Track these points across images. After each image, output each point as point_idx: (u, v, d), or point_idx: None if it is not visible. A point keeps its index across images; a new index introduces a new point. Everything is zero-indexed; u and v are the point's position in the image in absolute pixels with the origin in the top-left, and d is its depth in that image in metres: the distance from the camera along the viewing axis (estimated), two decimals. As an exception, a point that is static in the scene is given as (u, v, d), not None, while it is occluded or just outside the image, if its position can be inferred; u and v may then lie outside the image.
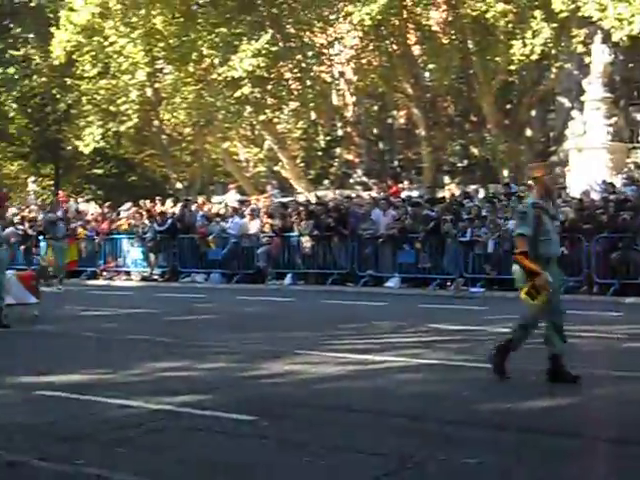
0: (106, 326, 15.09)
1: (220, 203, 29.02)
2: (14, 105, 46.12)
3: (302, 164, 42.95)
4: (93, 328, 14.55)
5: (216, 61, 34.13)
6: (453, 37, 34.97)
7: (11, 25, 44.64)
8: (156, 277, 26.34)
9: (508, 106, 38.75)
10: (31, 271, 16.26)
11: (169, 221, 26.47)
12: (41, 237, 26.86)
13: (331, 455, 6.47)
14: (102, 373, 10.07)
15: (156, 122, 38.76)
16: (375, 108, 44.67)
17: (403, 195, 26.70)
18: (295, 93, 36.28)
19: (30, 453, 6.52)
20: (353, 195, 28.25)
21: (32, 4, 42.18)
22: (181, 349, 12.09)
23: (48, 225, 24.43)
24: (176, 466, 6.24)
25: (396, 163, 44.87)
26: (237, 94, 33.48)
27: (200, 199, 30.18)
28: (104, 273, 27.25)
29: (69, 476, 6.02)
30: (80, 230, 27.84)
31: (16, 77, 44.11)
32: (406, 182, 32.26)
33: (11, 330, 14.29)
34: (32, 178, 44.75)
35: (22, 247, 28.02)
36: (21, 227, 28.80)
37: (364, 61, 36.96)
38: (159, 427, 7.40)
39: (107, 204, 31.10)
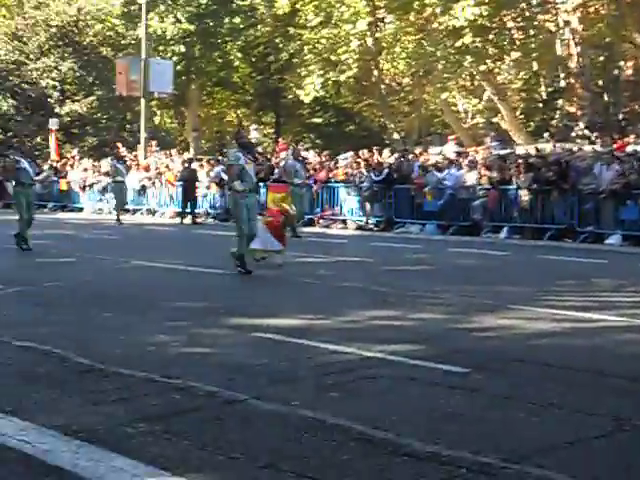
0: (321, 273, 15.34)
1: (438, 154, 28.82)
2: (238, 54, 47.50)
3: (522, 116, 42.03)
4: (309, 274, 14.84)
5: (437, 10, 33.74)
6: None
7: (237, -25, 45.65)
8: (371, 226, 26.56)
9: None
10: (279, 218, 16.16)
11: (386, 171, 26.56)
12: (261, 184, 27.56)
13: (545, 412, 6.33)
14: (317, 318, 10.25)
15: (375, 72, 38.84)
16: (601, 59, 43.04)
17: (628, 149, 25.63)
18: (517, 43, 35.42)
19: (247, 392, 6.72)
20: (575, 148, 27.35)
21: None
22: (394, 298, 12.13)
23: (289, 172, 24.73)
24: (389, 413, 6.27)
25: (621, 116, 43.15)
26: (458, 44, 33.04)
27: (417, 150, 30.08)
28: (321, 221, 27.70)
29: (284, 416, 6.17)
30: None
31: (241, 27, 45.34)
32: (632, 136, 30.93)
33: (231, 274, 14.74)
34: (254, 126, 45.98)
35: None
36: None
37: (591, 10, 35.60)
38: (372, 374, 7.45)
39: (325, 153, 31.53)
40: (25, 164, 19.18)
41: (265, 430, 5.84)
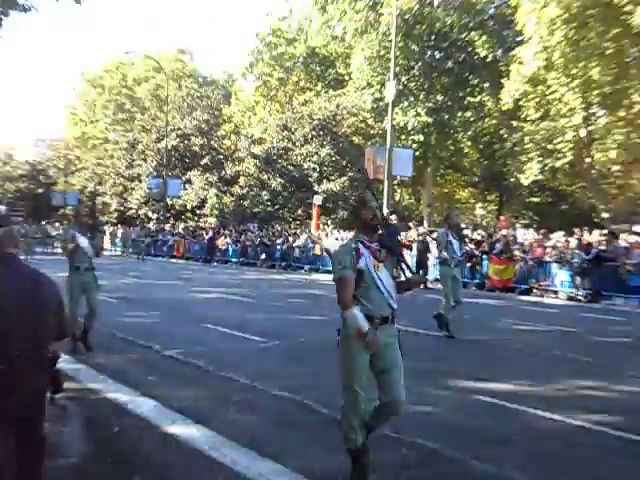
0: (534, 340, 14.91)
1: (641, 232, 27.39)
2: (468, 143, 47.62)
3: None
4: (523, 341, 14.47)
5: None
6: None
7: (470, 77, 45.91)
8: (580, 298, 25.59)
9: None
10: None
11: (595, 251, 25.47)
12: (484, 256, 27.35)
13: None
14: (528, 385, 10.01)
15: (587, 159, 37.69)
16: None
17: None
18: None
19: (465, 452, 6.66)
20: None
21: (488, 59, 43.07)
22: (599, 369, 11.64)
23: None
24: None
25: None
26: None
27: (623, 227, 28.77)
28: (534, 290, 26.99)
29: (493, 476, 6.07)
30: (516, 252, 27.86)
31: (472, 119, 45.46)
32: None
33: (452, 338, 14.61)
34: (479, 204, 45.65)
35: (468, 264, 28.71)
36: (467, 247, 29.48)
37: None
38: (577, 442, 7.20)
39: (542, 231, 30.78)
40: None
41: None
